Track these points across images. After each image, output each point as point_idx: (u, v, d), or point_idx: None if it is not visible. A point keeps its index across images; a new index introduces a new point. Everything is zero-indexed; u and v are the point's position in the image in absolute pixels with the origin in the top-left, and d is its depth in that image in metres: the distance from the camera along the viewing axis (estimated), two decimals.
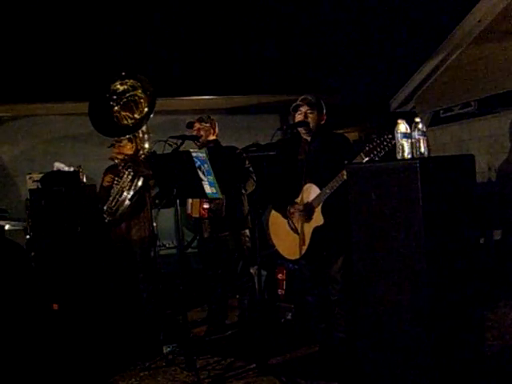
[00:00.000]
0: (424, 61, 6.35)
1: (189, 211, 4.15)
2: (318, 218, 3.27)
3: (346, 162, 3.05)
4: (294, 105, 3.47)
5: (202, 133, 4.12)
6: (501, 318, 4.00)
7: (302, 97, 3.46)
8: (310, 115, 3.41)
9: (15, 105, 6.23)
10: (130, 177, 4.12)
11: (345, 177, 3.00)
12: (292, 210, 3.41)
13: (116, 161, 4.18)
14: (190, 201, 4.15)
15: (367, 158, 2.92)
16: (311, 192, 3.31)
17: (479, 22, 5.49)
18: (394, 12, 5.89)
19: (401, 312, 2.53)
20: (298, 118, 3.44)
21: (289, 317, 4.23)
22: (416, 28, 5.94)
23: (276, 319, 4.27)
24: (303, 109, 3.42)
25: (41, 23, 5.63)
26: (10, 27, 5.55)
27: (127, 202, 4.10)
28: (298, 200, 3.40)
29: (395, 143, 2.61)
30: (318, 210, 3.26)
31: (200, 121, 4.15)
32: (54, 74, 5.85)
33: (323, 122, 3.48)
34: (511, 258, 5.10)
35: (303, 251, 3.37)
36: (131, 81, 4.12)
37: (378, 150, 2.88)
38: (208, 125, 4.14)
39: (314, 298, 3.61)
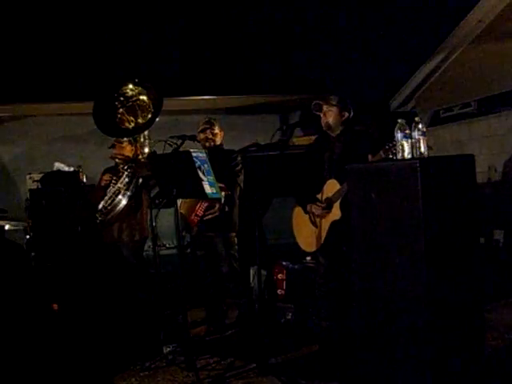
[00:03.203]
0: (424, 61, 6.35)
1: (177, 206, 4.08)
2: (335, 213, 3.39)
3: (369, 156, 3.21)
4: (314, 103, 3.57)
5: (216, 138, 4.12)
6: (501, 318, 4.00)
7: (324, 96, 3.60)
8: (329, 113, 3.54)
9: (15, 105, 6.23)
10: (127, 179, 4.11)
11: None
12: (312, 208, 3.53)
13: (116, 160, 4.18)
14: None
15: (385, 157, 3.01)
16: (332, 187, 3.43)
17: (479, 22, 5.49)
18: (393, 12, 5.88)
19: (400, 311, 2.53)
20: (322, 118, 3.58)
21: (289, 317, 4.23)
22: (416, 28, 5.93)
23: (276, 319, 4.27)
24: (325, 107, 3.55)
25: (40, 23, 5.62)
26: (10, 27, 5.54)
27: (121, 205, 4.09)
28: (320, 195, 3.53)
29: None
30: (337, 204, 3.37)
31: (212, 125, 4.13)
32: (54, 74, 5.83)
33: (344, 119, 3.56)
34: (511, 258, 5.10)
35: (319, 244, 3.51)
36: (140, 88, 4.15)
37: (396, 149, 2.93)
38: (218, 128, 4.15)
39: (321, 294, 3.64)
